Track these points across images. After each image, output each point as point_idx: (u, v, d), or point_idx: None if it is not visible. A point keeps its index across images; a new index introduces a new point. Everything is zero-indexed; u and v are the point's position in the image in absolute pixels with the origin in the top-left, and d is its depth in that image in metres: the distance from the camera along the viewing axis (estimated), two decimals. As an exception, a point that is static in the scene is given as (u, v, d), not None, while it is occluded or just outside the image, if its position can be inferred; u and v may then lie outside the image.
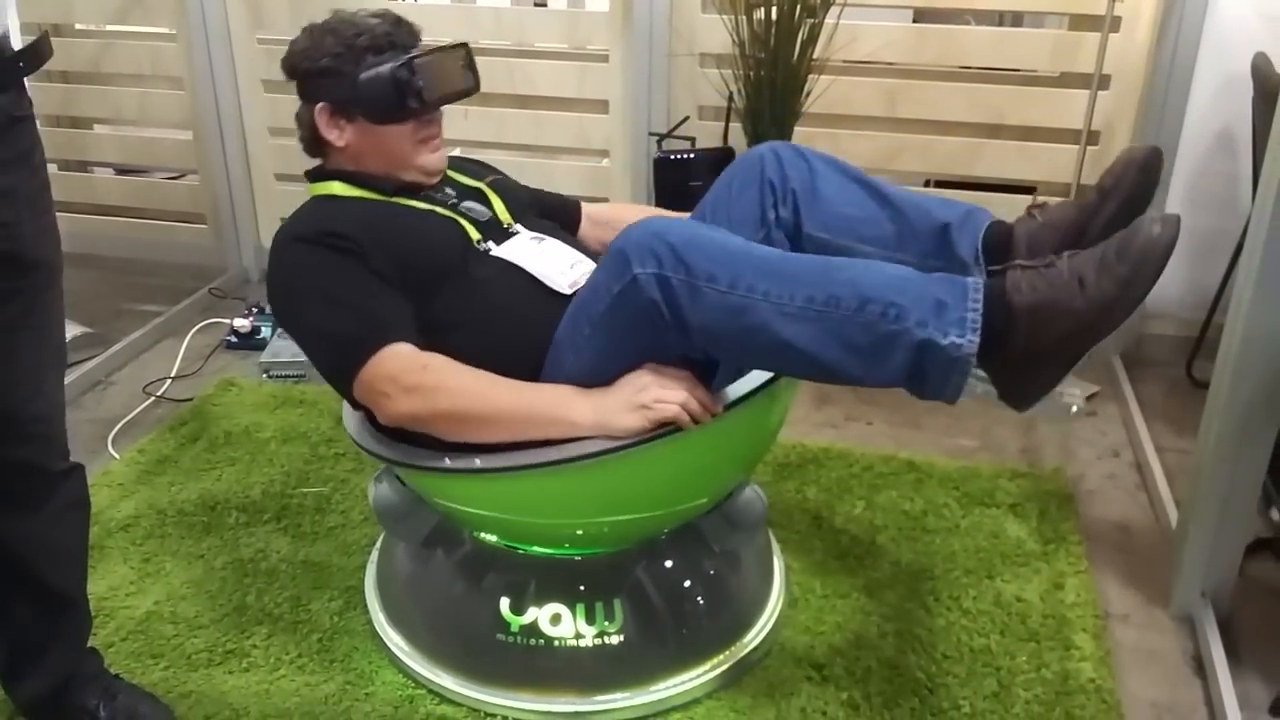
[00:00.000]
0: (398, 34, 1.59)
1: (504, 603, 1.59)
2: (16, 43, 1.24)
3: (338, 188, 1.61)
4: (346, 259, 1.45)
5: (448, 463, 1.43)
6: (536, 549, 1.62)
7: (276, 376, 2.65)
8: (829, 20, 2.51)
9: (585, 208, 1.85)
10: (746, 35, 2.50)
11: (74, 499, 1.43)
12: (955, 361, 1.23)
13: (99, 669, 1.52)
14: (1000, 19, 3.35)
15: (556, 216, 1.77)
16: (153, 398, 2.57)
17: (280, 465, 2.24)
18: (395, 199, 1.59)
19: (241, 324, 2.82)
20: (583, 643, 1.58)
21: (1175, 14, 2.44)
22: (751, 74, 2.52)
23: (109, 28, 3.38)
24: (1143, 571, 1.93)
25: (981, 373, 1.35)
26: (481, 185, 1.70)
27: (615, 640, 1.59)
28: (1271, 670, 1.68)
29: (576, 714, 1.58)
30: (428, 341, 1.43)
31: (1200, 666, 1.71)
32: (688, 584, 1.67)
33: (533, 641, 1.58)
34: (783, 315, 1.26)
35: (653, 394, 1.34)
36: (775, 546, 1.90)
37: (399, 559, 1.77)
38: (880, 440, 2.38)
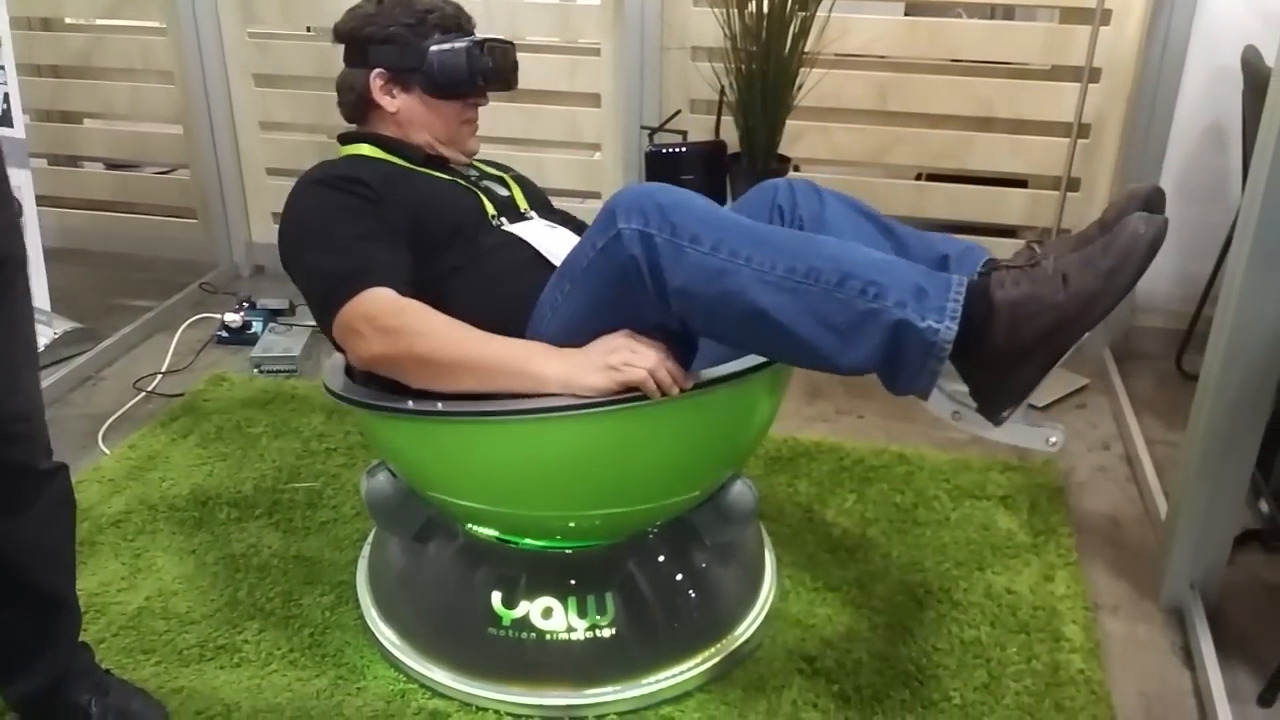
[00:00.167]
0: (463, 19, 1.73)
1: (496, 596, 1.60)
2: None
3: (367, 149, 1.68)
4: (358, 203, 1.50)
5: (410, 404, 1.44)
6: (528, 542, 1.62)
7: (268, 371, 2.65)
8: (820, 13, 2.52)
9: None
10: (738, 28, 2.50)
11: (60, 498, 1.41)
12: (931, 347, 1.23)
13: (90, 664, 1.51)
14: (991, 12, 3.35)
15: (570, 224, 1.80)
16: (143, 393, 2.56)
17: (272, 460, 2.23)
18: (422, 168, 1.66)
19: (233, 319, 2.82)
20: (574, 636, 1.58)
21: (1166, 7, 2.45)
22: (743, 67, 2.52)
23: (99, 21, 3.36)
24: (1132, 563, 1.94)
25: (960, 391, 1.34)
26: (504, 174, 1.80)
27: (607, 634, 1.59)
28: (1259, 661, 1.69)
29: (568, 707, 1.59)
30: (423, 295, 1.44)
31: (1189, 657, 1.71)
32: (679, 577, 1.67)
33: (524, 635, 1.58)
34: (762, 283, 1.26)
35: (621, 356, 1.34)
36: (766, 540, 1.90)
37: (390, 554, 1.77)
38: (871, 433, 2.39)
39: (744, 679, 1.64)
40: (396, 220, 1.51)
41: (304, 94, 3.09)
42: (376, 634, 1.70)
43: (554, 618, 1.58)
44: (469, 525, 1.64)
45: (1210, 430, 1.69)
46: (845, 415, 2.48)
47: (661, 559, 1.66)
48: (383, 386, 1.48)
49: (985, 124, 2.77)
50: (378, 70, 1.68)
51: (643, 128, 2.77)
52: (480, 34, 1.73)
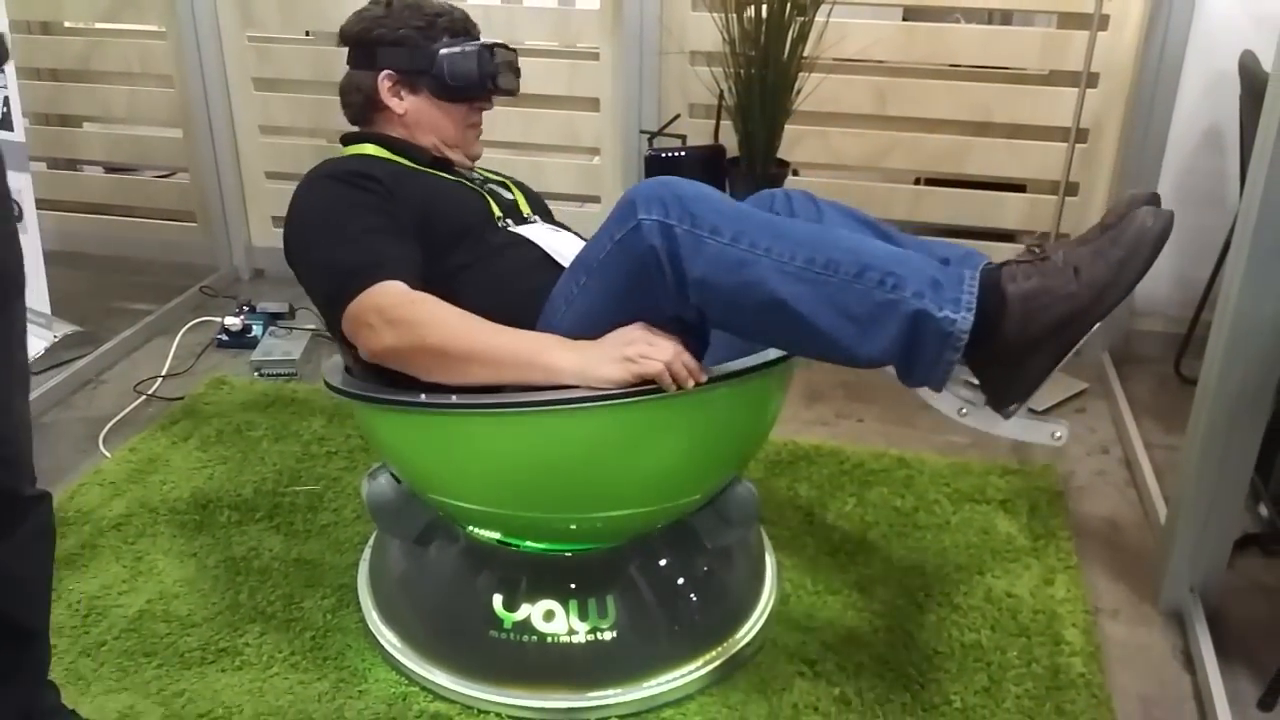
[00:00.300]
0: (469, 24, 1.75)
1: (497, 599, 1.60)
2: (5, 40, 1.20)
3: (372, 149, 1.69)
4: (369, 198, 1.51)
5: (423, 397, 1.43)
6: (530, 545, 1.62)
7: (268, 375, 2.65)
8: (819, 18, 2.52)
9: None
10: (737, 33, 2.51)
11: (40, 528, 1.34)
12: (948, 337, 1.25)
13: (58, 704, 1.45)
14: (989, 17, 3.37)
15: (570, 231, 1.80)
16: (144, 396, 2.56)
17: (272, 463, 2.24)
18: (428, 169, 1.67)
19: (232, 322, 2.82)
20: (576, 639, 1.58)
21: (1163, 12, 2.46)
22: (742, 72, 2.53)
23: (98, 25, 3.37)
24: (1132, 567, 1.94)
25: (964, 390, 1.35)
26: (506, 180, 1.82)
27: (608, 636, 1.59)
28: (1259, 664, 1.69)
29: (569, 710, 1.59)
30: (432, 291, 1.44)
31: (1189, 661, 1.72)
32: (680, 580, 1.67)
33: (526, 638, 1.59)
34: (782, 273, 1.27)
35: (638, 348, 1.34)
36: (767, 543, 1.90)
37: (391, 556, 1.77)
38: (871, 437, 2.39)
39: (745, 682, 1.64)
40: (406, 217, 1.51)
41: (303, 98, 3.09)
42: (378, 637, 1.70)
43: (555, 620, 1.58)
44: (470, 528, 1.64)
45: (1209, 434, 1.69)
46: (845, 419, 2.48)
47: (663, 562, 1.66)
48: (389, 384, 1.47)
49: (983, 129, 2.78)
50: (387, 72, 1.69)
51: (642, 132, 2.78)
52: (483, 39, 1.74)
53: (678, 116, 2.78)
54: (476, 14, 1.80)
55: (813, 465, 2.23)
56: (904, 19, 3.02)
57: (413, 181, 1.60)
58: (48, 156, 3.50)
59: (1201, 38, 2.48)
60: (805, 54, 2.52)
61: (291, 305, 2.92)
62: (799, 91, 2.57)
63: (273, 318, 2.89)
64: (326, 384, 1.57)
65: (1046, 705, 1.60)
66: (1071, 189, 2.70)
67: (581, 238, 1.77)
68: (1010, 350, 1.27)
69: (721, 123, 2.70)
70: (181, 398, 2.53)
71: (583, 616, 1.58)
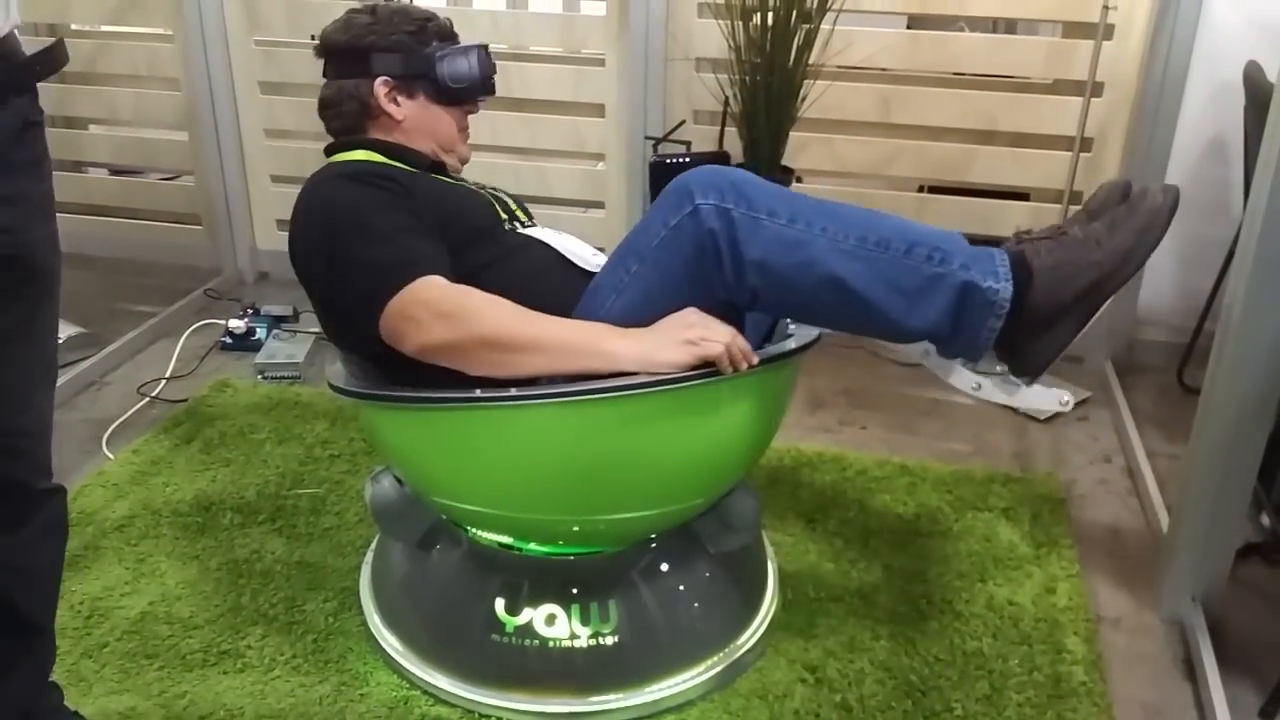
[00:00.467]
0: (452, 28, 1.76)
1: (499, 603, 1.60)
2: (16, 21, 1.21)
3: (362, 155, 1.66)
4: (392, 197, 1.49)
5: (446, 393, 1.42)
6: (532, 549, 1.62)
7: (271, 378, 2.65)
8: (824, 26, 2.53)
9: None
10: (742, 40, 2.51)
11: (53, 522, 1.35)
12: (992, 306, 1.34)
13: (59, 705, 1.44)
14: (994, 26, 3.37)
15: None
16: (147, 398, 2.56)
17: (275, 466, 2.24)
18: (428, 174, 1.67)
19: (236, 325, 2.82)
20: (577, 644, 1.59)
21: (1168, 22, 2.46)
22: (747, 79, 2.53)
23: (105, 28, 3.38)
24: (1134, 576, 1.94)
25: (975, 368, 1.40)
26: (497, 190, 1.80)
27: (610, 641, 1.59)
28: (1261, 674, 1.69)
29: (571, 715, 1.59)
30: None
31: (1191, 670, 1.72)
32: (682, 586, 1.67)
33: (527, 642, 1.59)
34: (838, 252, 1.34)
35: (698, 331, 1.36)
36: (769, 549, 1.90)
37: (394, 560, 1.78)
38: (874, 445, 2.39)
39: (746, 688, 1.64)
40: (428, 216, 1.50)
41: (309, 102, 3.04)
42: (380, 640, 1.71)
43: (557, 625, 1.58)
44: (473, 531, 1.64)
45: (1212, 443, 1.69)
46: (848, 426, 2.48)
47: (664, 567, 1.66)
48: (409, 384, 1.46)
49: (988, 137, 2.78)
50: (382, 78, 1.67)
51: (647, 138, 2.78)
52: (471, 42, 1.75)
53: (683, 123, 2.78)
54: (483, 20, 1.81)
55: (815, 472, 2.23)
56: (909, 27, 3.03)
57: (423, 184, 1.59)
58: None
59: (1206, 48, 2.49)
60: (810, 61, 2.53)
61: (295, 308, 2.92)
62: (804, 99, 2.57)
63: (277, 321, 2.89)
64: (331, 386, 1.57)
65: (1048, 713, 1.60)
66: (1075, 197, 2.70)
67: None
68: (1039, 318, 1.36)
69: (726, 129, 2.71)
70: (185, 400, 2.54)
71: (585, 621, 1.59)
